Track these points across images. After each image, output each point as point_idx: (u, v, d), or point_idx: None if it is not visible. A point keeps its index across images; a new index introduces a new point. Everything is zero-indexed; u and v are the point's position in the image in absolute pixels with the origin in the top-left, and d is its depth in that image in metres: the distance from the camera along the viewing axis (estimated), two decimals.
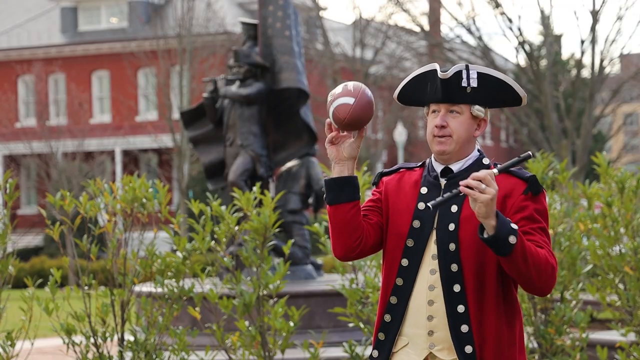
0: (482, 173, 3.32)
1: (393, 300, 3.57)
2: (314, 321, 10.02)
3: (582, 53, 32.31)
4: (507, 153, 53.83)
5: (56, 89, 40.70)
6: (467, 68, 3.50)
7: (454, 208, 3.52)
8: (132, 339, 6.55)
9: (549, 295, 6.91)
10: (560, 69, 36.92)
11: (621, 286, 6.92)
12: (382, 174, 3.73)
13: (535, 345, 6.98)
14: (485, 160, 3.58)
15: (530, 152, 3.49)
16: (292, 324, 6.59)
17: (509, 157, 52.81)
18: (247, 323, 6.60)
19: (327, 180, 3.54)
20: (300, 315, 6.70)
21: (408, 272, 3.55)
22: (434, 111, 3.57)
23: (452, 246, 3.50)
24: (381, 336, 3.60)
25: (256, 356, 6.60)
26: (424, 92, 3.57)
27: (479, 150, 3.61)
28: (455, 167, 3.57)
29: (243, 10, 42.00)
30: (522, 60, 33.86)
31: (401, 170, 3.71)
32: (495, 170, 3.36)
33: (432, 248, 3.53)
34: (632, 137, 47.24)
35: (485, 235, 3.35)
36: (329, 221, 3.59)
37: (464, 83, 3.50)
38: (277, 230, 6.76)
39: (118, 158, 38.48)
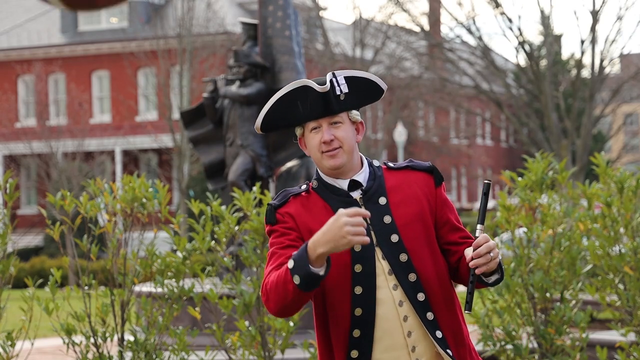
0: (489, 242, 3.26)
1: (356, 333, 3.34)
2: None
3: (582, 53, 32.32)
4: (507, 153, 53.83)
5: (56, 89, 40.71)
6: (334, 75, 3.40)
7: (387, 219, 3.40)
8: (132, 339, 6.55)
9: (548, 295, 6.92)
10: (560, 69, 36.92)
11: (621, 286, 6.93)
12: (275, 208, 3.43)
13: (535, 345, 6.99)
14: (376, 162, 3.51)
15: (489, 181, 3.44)
16: (292, 324, 6.60)
17: (509, 157, 52.83)
18: (247, 323, 6.60)
19: (314, 274, 3.17)
20: (300, 315, 6.71)
21: (365, 298, 3.34)
22: (314, 128, 3.40)
23: (403, 257, 3.38)
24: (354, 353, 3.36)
25: (256, 356, 6.60)
26: (295, 112, 3.40)
27: (361, 154, 3.51)
28: (359, 177, 3.44)
29: (243, 10, 42.00)
30: (522, 60, 33.87)
31: (290, 197, 3.46)
32: (481, 226, 3.33)
33: (383, 264, 3.37)
34: (632, 137, 47.25)
35: (494, 278, 3.38)
36: (287, 297, 3.24)
37: (337, 91, 3.38)
38: None
39: (118, 158, 38.48)
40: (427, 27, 36.23)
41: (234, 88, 12.07)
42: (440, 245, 3.48)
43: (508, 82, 34.70)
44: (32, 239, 35.38)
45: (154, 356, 6.50)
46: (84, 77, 40.60)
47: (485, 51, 32.97)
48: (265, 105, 3.42)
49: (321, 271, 3.18)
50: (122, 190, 6.70)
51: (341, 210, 3.14)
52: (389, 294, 3.36)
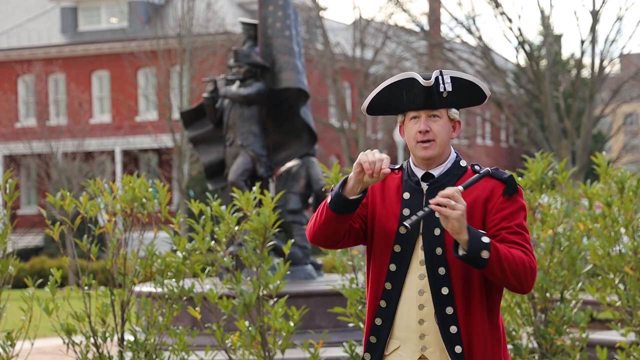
0: (449, 190, 3.47)
1: (383, 304, 3.65)
2: (314, 321, 10.02)
3: (582, 53, 32.33)
4: (507, 153, 53.83)
5: (56, 89, 40.70)
6: (441, 73, 3.63)
7: (437, 214, 3.59)
8: (132, 339, 6.55)
9: (548, 295, 6.92)
10: (560, 69, 36.93)
11: (621, 286, 6.92)
12: None
13: (535, 345, 6.99)
14: (463, 163, 3.71)
15: (489, 169, 3.66)
16: (292, 324, 6.59)
17: (509, 157, 52.84)
18: (247, 323, 6.60)
19: (338, 194, 3.56)
20: (300, 315, 6.70)
21: (396, 277, 3.64)
22: (413, 117, 3.67)
23: (438, 250, 3.61)
24: (373, 339, 3.68)
25: (256, 356, 6.60)
26: (399, 100, 3.67)
27: (455, 152, 3.74)
28: (436, 171, 3.68)
29: (243, 10, 42.00)
30: (522, 60, 33.87)
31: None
32: (460, 187, 3.51)
33: (419, 254, 3.64)
34: (632, 137, 47.25)
35: (460, 253, 3.49)
36: (321, 217, 3.63)
37: (441, 88, 3.63)
38: (277, 230, 6.76)
39: (118, 158, 38.48)
40: (427, 27, 36.23)
41: (234, 88, 12.06)
42: None
43: (508, 82, 34.71)
44: (32, 239, 35.38)
45: (154, 356, 6.49)
46: (84, 77, 40.59)
47: (485, 51, 32.97)
48: (374, 90, 3.70)
49: (350, 196, 3.54)
50: (122, 190, 6.70)
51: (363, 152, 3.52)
52: (415, 280, 3.62)
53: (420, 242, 3.63)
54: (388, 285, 3.64)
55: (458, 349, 3.57)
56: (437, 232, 3.61)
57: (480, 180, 3.65)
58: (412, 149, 3.68)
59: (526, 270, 3.54)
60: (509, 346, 6.91)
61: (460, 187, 3.52)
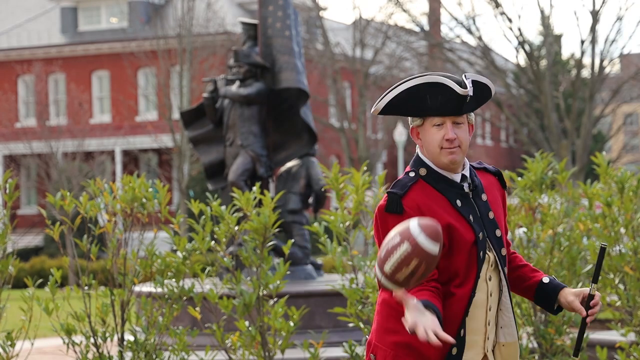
0: (598, 298, 3.63)
1: (467, 313, 3.60)
2: (314, 321, 10.01)
3: (582, 53, 32.33)
4: (507, 153, 53.83)
5: (56, 89, 40.70)
6: (466, 78, 3.58)
7: (491, 215, 3.66)
8: (132, 339, 6.55)
9: None
10: (560, 69, 36.93)
11: (621, 286, 6.92)
12: (400, 197, 3.58)
13: (535, 345, 6.99)
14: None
15: (605, 245, 3.76)
16: (292, 324, 6.59)
17: (509, 157, 52.83)
18: (247, 323, 6.60)
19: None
20: (300, 315, 6.70)
21: (479, 282, 3.61)
22: (437, 125, 3.57)
23: (503, 251, 3.68)
24: (454, 351, 3.58)
25: (256, 356, 6.60)
26: (421, 104, 3.55)
27: None
28: (466, 173, 3.67)
29: (243, 10, 42.00)
30: (522, 60, 33.87)
31: (412, 186, 3.61)
32: (595, 289, 3.65)
33: (489, 256, 3.64)
34: (632, 137, 47.25)
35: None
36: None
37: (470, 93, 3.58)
38: (277, 230, 6.76)
39: (118, 158, 38.48)
40: (427, 27, 36.23)
41: (234, 88, 12.06)
42: None
43: (508, 82, 34.71)
44: (32, 239, 35.38)
45: (154, 356, 6.50)
46: (84, 77, 40.59)
47: (485, 51, 32.97)
48: (393, 90, 3.57)
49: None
50: (122, 190, 6.70)
51: (428, 324, 3.30)
52: (485, 283, 3.63)
53: (488, 245, 3.64)
54: (476, 295, 3.62)
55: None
56: (498, 233, 3.67)
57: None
58: (435, 154, 3.59)
59: None
60: None
61: (595, 285, 3.63)
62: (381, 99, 3.60)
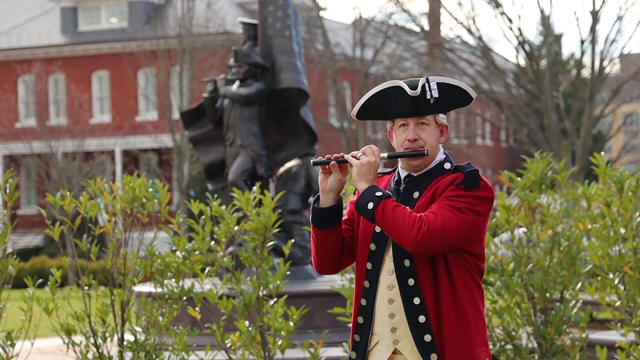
0: (366, 147, 3.71)
1: (363, 302, 3.78)
2: (314, 321, 10.02)
3: (582, 53, 32.32)
4: (507, 153, 53.83)
5: (56, 89, 40.69)
6: (427, 81, 3.70)
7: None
8: (132, 339, 6.55)
9: (548, 295, 6.92)
10: (560, 69, 36.92)
11: (621, 286, 6.92)
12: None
13: (535, 345, 6.99)
14: (447, 165, 3.76)
15: (426, 150, 3.73)
16: (292, 324, 6.60)
17: (509, 157, 52.82)
18: (247, 323, 6.60)
19: (314, 208, 3.76)
20: (300, 315, 6.71)
21: (372, 274, 3.76)
22: (402, 125, 3.76)
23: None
24: (357, 337, 3.81)
25: (256, 356, 6.60)
26: (387, 107, 3.75)
27: (445, 153, 3.81)
28: (418, 173, 3.79)
29: (243, 10, 41.99)
30: (522, 60, 33.87)
31: (379, 176, 3.90)
32: (385, 154, 3.73)
33: (390, 251, 3.75)
34: (632, 137, 47.24)
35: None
36: (313, 242, 3.82)
37: (428, 95, 3.70)
38: (277, 230, 6.77)
39: (118, 158, 38.47)
40: (427, 27, 36.22)
41: (233, 88, 12.06)
42: None
43: (508, 82, 34.70)
44: (32, 239, 35.37)
45: (154, 356, 6.50)
46: (84, 77, 40.59)
47: (485, 51, 32.97)
48: (363, 97, 3.79)
49: (324, 205, 3.73)
50: (122, 190, 6.70)
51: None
52: (385, 276, 3.75)
53: (390, 239, 3.73)
54: (366, 284, 3.76)
55: (427, 337, 3.65)
56: None
57: (407, 156, 3.78)
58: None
59: (408, 224, 3.60)
60: (509, 346, 6.92)
61: (385, 154, 3.73)
62: (356, 105, 3.81)
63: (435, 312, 3.66)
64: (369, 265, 3.76)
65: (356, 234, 3.84)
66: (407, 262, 3.68)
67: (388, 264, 3.73)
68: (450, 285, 3.68)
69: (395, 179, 3.83)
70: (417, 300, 3.66)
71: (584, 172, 31.09)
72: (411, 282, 3.68)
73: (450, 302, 3.67)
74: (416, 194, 3.75)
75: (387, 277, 3.73)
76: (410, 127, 3.73)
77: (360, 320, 3.77)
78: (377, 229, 3.74)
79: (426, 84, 3.69)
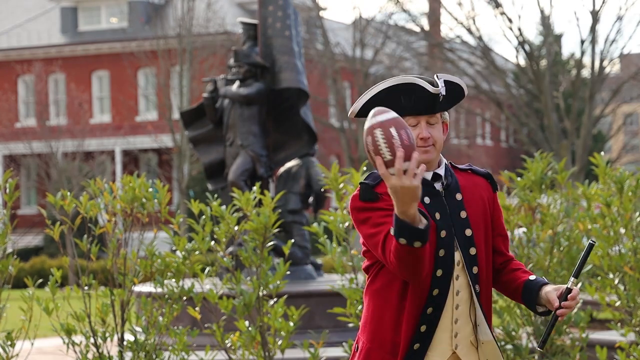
0: (575, 293, 3.58)
1: (429, 310, 3.61)
2: (314, 321, 10.02)
3: (582, 53, 32.33)
4: (507, 153, 53.84)
5: (56, 89, 40.69)
6: (438, 78, 3.66)
7: (463, 214, 3.69)
8: (132, 339, 6.55)
9: None
10: (560, 69, 36.92)
11: (621, 286, 6.92)
12: (372, 187, 3.61)
13: (535, 345, 6.99)
14: (445, 161, 3.78)
15: (594, 242, 3.73)
16: (292, 324, 6.60)
17: (509, 157, 52.83)
18: (247, 323, 6.60)
19: (417, 230, 3.36)
20: (300, 315, 6.71)
21: (442, 281, 3.62)
22: (412, 125, 3.63)
23: (472, 250, 3.69)
24: (416, 346, 3.63)
25: (256, 356, 6.60)
26: (396, 104, 3.59)
27: None
28: (440, 171, 3.71)
29: (243, 10, 41.99)
30: (522, 60, 33.87)
31: (382, 179, 3.61)
32: (572, 279, 3.60)
33: (456, 255, 3.67)
34: (632, 137, 47.24)
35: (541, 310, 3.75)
36: (415, 261, 3.45)
37: (442, 92, 3.66)
38: (277, 230, 6.77)
39: (118, 158, 38.47)
40: (427, 27, 36.23)
41: (233, 88, 12.06)
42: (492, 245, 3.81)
43: (508, 82, 34.71)
44: (32, 239, 35.37)
45: (154, 356, 6.50)
46: (84, 77, 40.59)
47: (485, 51, 32.98)
48: (368, 92, 3.63)
49: (420, 225, 3.35)
50: (122, 190, 6.70)
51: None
52: (452, 280, 3.66)
53: (456, 244, 3.66)
54: (435, 291, 3.61)
55: (493, 335, 3.72)
56: (468, 232, 3.68)
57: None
58: None
59: None
60: (509, 346, 6.92)
61: (574, 280, 3.60)
62: (358, 101, 3.64)
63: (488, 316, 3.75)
64: (438, 272, 3.62)
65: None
66: (475, 269, 3.68)
67: (455, 269, 3.66)
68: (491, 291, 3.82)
69: (422, 183, 3.56)
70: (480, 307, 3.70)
71: (584, 172, 31.08)
72: (477, 288, 3.70)
73: (490, 307, 3.79)
74: (459, 196, 3.70)
75: (455, 282, 3.65)
76: (423, 125, 3.64)
77: (424, 328, 3.62)
78: (442, 234, 3.61)
79: (439, 81, 3.66)
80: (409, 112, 3.63)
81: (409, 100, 3.61)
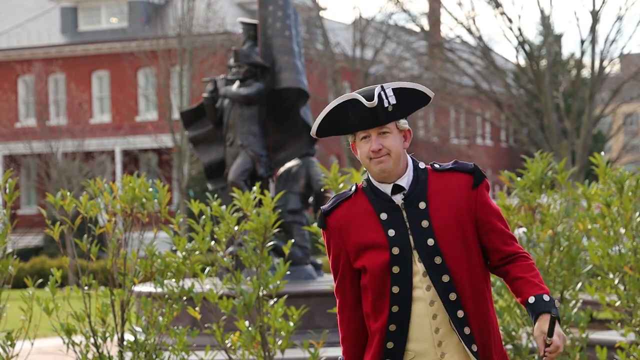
0: (560, 342, 3.68)
1: (392, 327, 3.67)
2: (314, 321, 10.02)
3: (582, 53, 32.34)
4: (507, 153, 53.85)
5: (56, 89, 40.70)
6: (383, 89, 3.64)
7: (425, 223, 3.66)
8: (132, 339, 6.55)
9: None
10: (560, 69, 36.92)
11: (621, 286, 6.92)
12: (325, 215, 3.76)
13: (535, 345, 6.99)
14: (421, 165, 3.75)
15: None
16: (292, 324, 6.60)
17: (509, 157, 52.85)
18: (247, 323, 6.61)
19: None
20: (300, 315, 6.71)
21: (401, 297, 3.65)
22: (364, 137, 3.67)
23: (437, 259, 3.66)
24: None
25: (256, 356, 6.60)
26: (346, 121, 3.66)
27: (411, 158, 3.76)
28: (402, 182, 3.70)
29: (243, 10, 41.99)
30: (522, 60, 33.87)
31: (341, 203, 3.75)
32: (557, 328, 3.67)
33: (419, 267, 3.66)
34: (632, 137, 47.25)
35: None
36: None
37: (386, 103, 3.63)
38: (277, 230, 6.77)
39: (118, 158, 38.48)
40: (427, 27, 36.23)
41: (233, 88, 12.06)
42: (482, 244, 3.74)
43: (508, 82, 34.71)
44: (32, 239, 35.37)
45: (153, 356, 6.50)
46: (84, 77, 40.59)
47: (485, 51, 32.98)
48: (321, 113, 3.68)
49: None
50: (122, 190, 6.70)
51: None
52: (422, 293, 3.66)
53: (416, 256, 3.66)
54: (395, 309, 3.65)
55: (474, 347, 3.66)
56: (430, 242, 3.66)
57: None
58: (368, 166, 3.69)
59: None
60: (509, 346, 6.92)
61: (549, 339, 3.65)
62: (315, 123, 3.72)
63: (477, 322, 3.68)
64: (395, 289, 3.65)
65: (362, 269, 3.72)
66: (445, 278, 3.65)
67: (420, 282, 3.66)
68: (485, 292, 3.72)
69: (382, 197, 3.70)
70: (460, 314, 3.66)
71: (584, 172, 31.08)
72: (453, 296, 3.65)
73: (487, 309, 3.72)
74: (422, 205, 3.68)
75: (425, 293, 3.66)
76: (373, 138, 3.65)
77: (390, 345, 3.67)
78: (395, 251, 3.64)
79: (382, 92, 3.62)
80: (358, 127, 3.66)
81: (355, 116, 3.64)
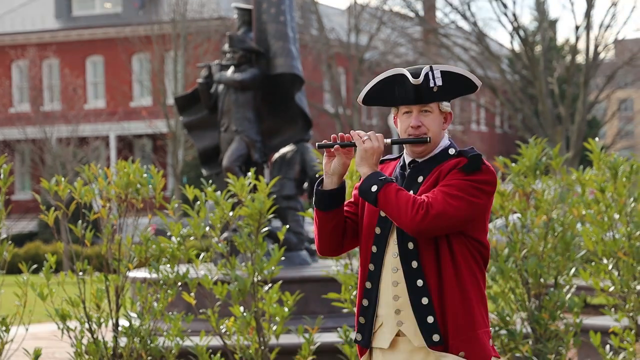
0: (370, 132, 3.78)
1: (368, 285, 3.83)
2: (309, 307, 10.02)
3: (577, 39, 32.33)
4: (502, 139, 53.87)
5: (50, 74, 40.61)
6: (431, 69, 3.75)
7: (411, 193, 3.77)
8: (126, 324, 6.55)
9: (542, 281, 6.94)
10: (554, 55, 36.91)
11: (614, 272, 6.94)
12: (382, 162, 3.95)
13: (529, 330, 7.01)
14: (451, 151, 3.82)
15: (428, 137, 3.79)
16: (286, 309, 6.61)
17: (503, 142, 52.86)
18: (241, 309, 6.61)
19: (317, 190, 3.83)
20: (295, 300, 6.71)
21: (377, 257, 3.82)
22: (406, 112, 3.82)
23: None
24: (361, 320, 3.85)
25: (251, 342, 6.61)
26: (391, 94, 3.82)
27: (450, 140, 3.86)
28: (422, 159, 3.84)
29: None
30: (516, 46, 33.85)
31: (384, 162, 3.97)
32: (388, 140, 3.81)
33: (394, 234, 3.80)
34: (626, 123, 47.28)
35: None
36: (315, 224, 3.88)
37: (431, 83, 3.76)
38: (272, 216, 6.76)
39: (112, 144, 38.43)
40: (422, 13, 36.19)
41: (228, 73, 12.04)
42: None
43: (503, 67, 34.71)
44: (26, 225, 35.35)
45: (148, 341, 6.51)
46: (78, 62, 40.50)
47: (480, 37, 32.96)
48: (369, 83, 3.85)
49: (326, 188, 3.81)
50: (117, 176, 6.70)
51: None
52: (390, 259, 3.80)
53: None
54: (371, 267, 3.82)
55: (430, 319, 3.70)
56: None
57: (410, 142, 3.81)
58: None
59: (408, 206, 3.65)
60: (503, 332, 6.94)
61: (388, 140, 3.80)
62: (362, 91, 3.87)
63: (438, 294, 3.71)
64: (374, 249, 3.81)
65: (360, 218, 3.89)
66: (410, 245, 3.73)
67: (392, 247, 3.78)
68: (454, 268, 3.72)
69: (401, 165, 3.89)
70: (420, 282, 3.71)
71: (578, 158, 31.10)
72: (414, 264, 3.72)
73: (454, 284, 3.72)
74: (420, 179, 3.80)
75: (392, 259, 3.77)
76: (414, 114, 3.79)
77: (365, 302, 3.82)
78: (382, 213, 3.78)
79: (430, 72, 3.75)
80: (402, 102, 3.81)
81: (401, 91, 3.79)
